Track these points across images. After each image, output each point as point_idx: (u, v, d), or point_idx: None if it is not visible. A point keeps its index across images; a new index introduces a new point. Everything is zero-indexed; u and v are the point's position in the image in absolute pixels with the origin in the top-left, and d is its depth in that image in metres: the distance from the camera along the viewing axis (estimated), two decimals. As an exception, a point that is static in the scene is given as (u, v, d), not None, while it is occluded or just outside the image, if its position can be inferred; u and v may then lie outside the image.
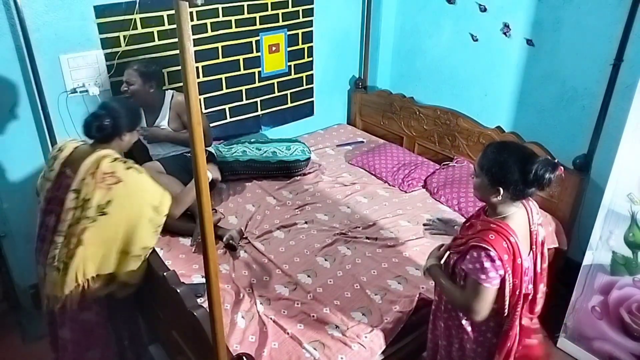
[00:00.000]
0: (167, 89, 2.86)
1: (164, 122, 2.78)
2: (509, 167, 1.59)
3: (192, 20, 2.91)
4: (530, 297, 1.72)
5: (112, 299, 2.09)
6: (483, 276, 1.60)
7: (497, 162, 1.61)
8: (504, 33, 3.06)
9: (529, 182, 1.57)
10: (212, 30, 3.08)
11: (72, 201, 1.92)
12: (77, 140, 2.11)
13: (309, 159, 3.27)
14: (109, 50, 2.73)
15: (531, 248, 1.70)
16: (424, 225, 2.17)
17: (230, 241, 2.51)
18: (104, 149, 1.98)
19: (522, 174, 1.57)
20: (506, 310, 1.69)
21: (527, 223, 1.69)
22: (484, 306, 1.64)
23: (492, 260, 1.59)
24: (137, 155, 2.94)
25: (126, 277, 2.03)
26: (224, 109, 3.35)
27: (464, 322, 1.79)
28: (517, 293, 1.66)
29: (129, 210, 1.94)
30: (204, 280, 1.80)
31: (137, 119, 2.17)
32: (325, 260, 2.46)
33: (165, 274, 1.99)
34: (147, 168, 2.18)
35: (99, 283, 2.00)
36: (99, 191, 1.89)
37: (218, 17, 3.07)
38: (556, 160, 1.60)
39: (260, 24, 3.27)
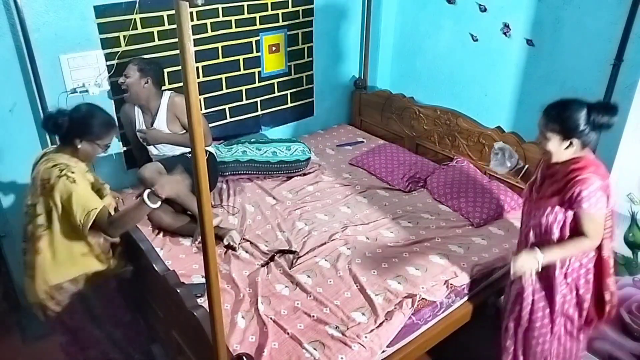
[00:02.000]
0: (166, 89, 2.85)
1: (161, 124, 2.77)
2: (576, 118, 1.78)
3: (192, 20, 2.90)
4: None
5: (88, 300, 2.08)
6: (600, 205, 1.81)
7: (563, 117, 1.80)
8: (504, 33, 3.06)
9: (595, 126, 1.78)
10: (212, 30, 3.08)
11: (24, 207, 1.96)
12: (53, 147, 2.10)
13: (309, 159, 3.27)
14: (109, 50, 2.73)
15: None
16: (492, 151, 2.22)
17: (231, 242, 2.51)
18: (56, 155, 1.95)
19: (586, 120, 1.77)
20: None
21: None
22: (601, 231, 1.88)
23: (602, 189, 1.81)
24: (138, 155, 2.94)
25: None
26: (224, 109, 3.35)
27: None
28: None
29: (68, 216, 1.90)
30: (204, 280, 1.80)
31: (98, 131, 1.98)
32: (325, 260, 2.46)
33: (165, 274, 1.99)
34: (85, 178, 1.96)
35: (68, 284, 2.00)
36: (42, 198, 1.89)
37: (218, 17, 3.07)
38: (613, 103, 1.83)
39: (260, 24, 3.27)
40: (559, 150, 1.85)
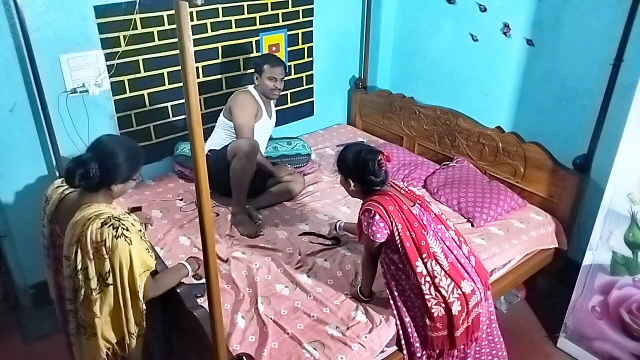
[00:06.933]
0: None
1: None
2: (348, 163, 2.04)
3: (192, 20, 2.90)
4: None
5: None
6: (370, 231, 1.95)
7: (342, 161, 2.08)
8: (504, 33, 3.06)
9: (361, 169, 1.99)
10: (212, 30, 3.08)
11: (67, 269, 1.75)
12: (62, 186, 1.87)
13: (309, 154, 3.29)
14: (109, 50, 2.73)
15: (415, 202, 2.03)
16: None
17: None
18: (90, 204, 1.73)
19: (355, 165, 2.01)
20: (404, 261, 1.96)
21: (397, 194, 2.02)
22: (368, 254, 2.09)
23: (377, 217, 1.92)
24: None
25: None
26: (224, 109, 3.35)
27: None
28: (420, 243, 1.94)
29: (127, 277, 1.75)
30: (204, 280, 1.80)
31: (135, 166, 1.78)
32: (325, 260, 2.46)
33: (165, 274, 1.99)
34: (136, 231, 1.75)
35: (130, 339, 1.86)
36: (96, 261, 1.69)
37: (218, 17, 3.07)
38: (380, 149, 2.03)
39: (260, 24, 3.27)
40: (345, 186, 2.15)
